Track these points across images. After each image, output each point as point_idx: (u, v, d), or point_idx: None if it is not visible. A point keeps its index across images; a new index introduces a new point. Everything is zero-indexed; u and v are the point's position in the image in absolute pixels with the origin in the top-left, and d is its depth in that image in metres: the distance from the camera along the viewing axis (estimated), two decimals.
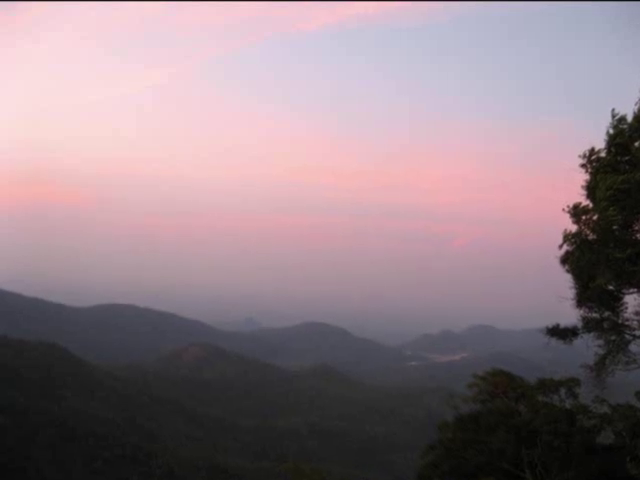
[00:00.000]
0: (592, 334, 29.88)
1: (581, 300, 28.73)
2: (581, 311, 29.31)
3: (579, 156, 26.79)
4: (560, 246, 27.92)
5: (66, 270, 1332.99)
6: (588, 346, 29.76)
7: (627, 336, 28.91)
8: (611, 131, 26.05)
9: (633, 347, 28.99)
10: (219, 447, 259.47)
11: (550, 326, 31.59)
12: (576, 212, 26.80)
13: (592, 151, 26.58)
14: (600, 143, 26.59)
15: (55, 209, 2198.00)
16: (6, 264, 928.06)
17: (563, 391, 44.84)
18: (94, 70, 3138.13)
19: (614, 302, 28.33)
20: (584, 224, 26.83)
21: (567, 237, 27.33)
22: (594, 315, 29.37)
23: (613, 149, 26.04)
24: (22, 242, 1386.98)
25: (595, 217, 26.24)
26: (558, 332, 31.43)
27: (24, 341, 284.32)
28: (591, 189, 26.57)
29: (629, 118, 25.46)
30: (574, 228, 27.24)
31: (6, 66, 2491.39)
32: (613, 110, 25.67)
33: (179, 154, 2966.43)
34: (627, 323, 28.66)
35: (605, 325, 29.32)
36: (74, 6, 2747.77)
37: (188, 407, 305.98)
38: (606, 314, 29.03)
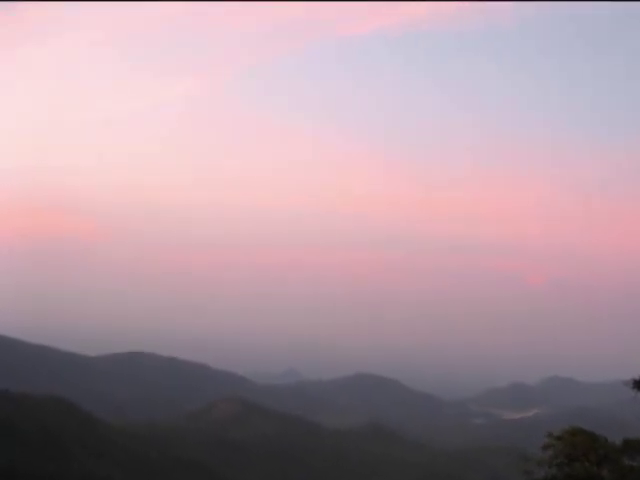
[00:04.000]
0: None
1: None
2: None
3: None
4: None
5: (77, 313, 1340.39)
6: None
7: None
8: None
9: None
10: None
11: (638, 378, 31.11)
12: None
13: None
14: None
15: (65, 242, 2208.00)
16: (8, 307, 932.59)
17: None
18: (111, 80, 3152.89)
19: None
20: None
21: None
22: None
23: None
24: (26, 281, 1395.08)
25: None
26: None
27: (27, 395, 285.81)
28: None
29: None
30: None
31: (7, 71, 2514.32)
32: None
33: (209, 178, 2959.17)
34: None
35: None
36: (90, 7, 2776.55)
37: (217, 471, 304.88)
38: None
